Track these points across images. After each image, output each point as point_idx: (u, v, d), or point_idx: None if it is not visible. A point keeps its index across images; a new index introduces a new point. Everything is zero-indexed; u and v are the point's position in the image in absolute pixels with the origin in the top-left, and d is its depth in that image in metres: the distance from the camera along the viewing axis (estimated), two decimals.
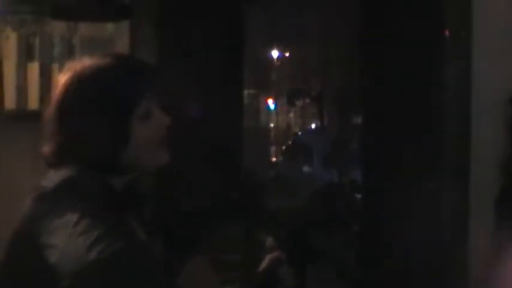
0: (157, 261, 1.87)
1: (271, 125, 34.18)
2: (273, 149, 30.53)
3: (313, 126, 33.86)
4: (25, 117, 3.93)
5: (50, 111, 1.92)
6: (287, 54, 34.29)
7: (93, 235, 1.66)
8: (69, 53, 4.05)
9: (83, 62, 1.94)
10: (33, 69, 4.00)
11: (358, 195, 12.64)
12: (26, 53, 4.02)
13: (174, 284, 1.74)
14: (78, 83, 1.89)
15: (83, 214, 1.71)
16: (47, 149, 1.91)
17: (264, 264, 2.19)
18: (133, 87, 1.91)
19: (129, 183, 1.95)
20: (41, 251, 1.73)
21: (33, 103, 3.97)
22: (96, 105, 1.87)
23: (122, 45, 4.15)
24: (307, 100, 33.55)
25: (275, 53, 34.01)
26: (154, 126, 1.93)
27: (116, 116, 1.88)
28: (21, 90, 3.99)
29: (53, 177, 1.83)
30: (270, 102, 35.11)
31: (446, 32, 4.47)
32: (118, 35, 4.19)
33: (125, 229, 1.85)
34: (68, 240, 1.68)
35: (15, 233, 1.84)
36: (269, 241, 2.12)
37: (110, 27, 4.18)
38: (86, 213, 1.72)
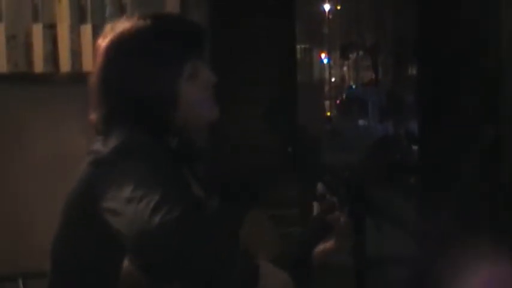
0: (213, 217, 1.88)
1: (325, 79, 34.03)
2: (327, 103, 30.44)
3: (367, 79, 33.61)
4: (80, 80, 3.95)
5: (94, 78, 1.89)
6: (339, 7, 34.01)
7: (154, 199, 1.65)
8: (121, 13, 4.04)
9: (122, 24, 1.90)
10: (86, 31, 4.02)
11: (415, 147, 12.56)
12: (78, 16, 4.03)
13: (236, 242, 1.74)
14: (120, 46, 1.87)
15: (141, 177, 1.71)
16: (95, 116, 1.88)
17: (315, 211, 2.19)
18: (177, 48, 1.88)
19: (183, 139, 1.95)
20: (101, 215, 1.74)
21: (87, 65, 3.99)
22: (141, 69, 1.85)
23: (173, 5, 4.14)
24: (361, 53, 33.31)
25: (327, 7, 33.76)
26: (202, 84, 1.90)
27: (163, 78, 1.85)
28: (75, 52, 4.01)
29: (107, 142, 1.82)
30: (323, 56, 34.93)
31: None
32: None
33: (182, 187, 1.85)
34: (128, 205, 1.67)
35: (72, 198, 1.85)
36: (319, 187, 2.12)
37: None
38: (143, 176, 1.71)
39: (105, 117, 1.87)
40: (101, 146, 1.82)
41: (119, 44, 1.88)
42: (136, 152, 1.79)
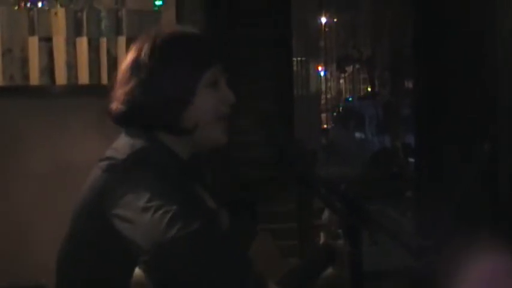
0: (228, 232, 1.89)
1: (322, 92, 34.02)
2: (323, 116, 30.44)
3: (363, 91, 33.66)
4: (76, 92, 3.96)
5: (123, 73, 1.93)
6: (335, 20, 34.07)
7: (170, 211, 1.66)
8: (117, 26, 4.06)
9: (159, 29, 1.97)
10: (82, 44, 4.02)
11: (411, 160, 12.57)
12: (74, 29, 4.04)
13: (248, 257, 1.73)
14: (154, 46, 1.91)
15: (156, 188, 1.72)
16: (115, 106, 1.91)
17: (321, 239, 2.19)
18: (204, 52, 1.94)
19: (194, 154, 1.96)
20: (113, 222, 1.74)
21: (83, 78, 4.00)
22: (169, 67, 1.89)
23: (168, 18, 4.15)
24: (358, 66, 33.36)
25: (323, 19, 33.81)
26: (219, 97, 1.93)
27: (186, 76, 1.89)
28: (71, 65, 4.01)
29: (122, 149, 1.84)
30: (320, 69, 34.96)
31: None
32: (164, 7, 4.19)
33: (197, 200, 1.86)
34: (143, 215, 1.68)
35: (82, 204, 1.85)
36: (325, 217, 2.12)
37: None
38: (159, 187, 1.72)
39: (125, 110, 1.89)
40: (114, 153, 1.83)
41: (152, 43, 1.92)
42: (152, 162, 1.80)
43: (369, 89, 31.52)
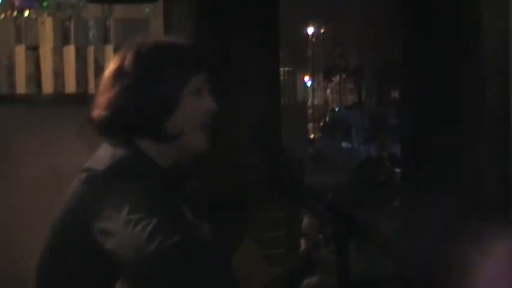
0: (209, 243, 1.89)
1: (308, 101, 34.09)
2: (310, 125, 30.47)
3: (350, 101, 33.73)
4: (63, 101, 3.95)
5: (106, 81, 1.92)
6: (322, 31, 34.15)
7: (151, 223, 1.66)
8: (104, 35, 4.06)
9: (142, 39, 1.97)
10: (69, 52, 4.02)
11: (398, 170, 12.60)
12: (61, 37, 4.04)
13: (230, 268, 1.74)
14: (138, 54, 1.91)
15: (136, 199, 1.72)
16: (97, 113, 1.89)
17: (301, 249, 2.20)
18: (189, 60, 1.94)
19: (174, 165, 1.95)
20: (93, 234, 1.73)
21: (70, 87, 3.99)
22: (153, 74, 1.89)
23: (156, 27, 4.15)
24: (344, 76, 33.44)
25: (311, 30, 33.89)
26: (202, 106, 1.93)
27: (170, 83, 1.89)
28: (58, 74, 4.01)
29: (101, 159, 1.83)
30: (307, 79, 35.03)
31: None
32: (152, 16, 4.19)
33: (177, 212, 1.85)
34: (124, 227, 1.68)
35: (62, 216, 1.84)
36: (305, 224, 2.12)
37: (144, 8, 4.18)
38: (139, 198, 1.72)
39: (107, 117, 1.88)
40: (94, 164, 1.82)
41: (136, 52, 1.92)
42: (132, 172, 1.80)
43: (356, 99, 31.59)
